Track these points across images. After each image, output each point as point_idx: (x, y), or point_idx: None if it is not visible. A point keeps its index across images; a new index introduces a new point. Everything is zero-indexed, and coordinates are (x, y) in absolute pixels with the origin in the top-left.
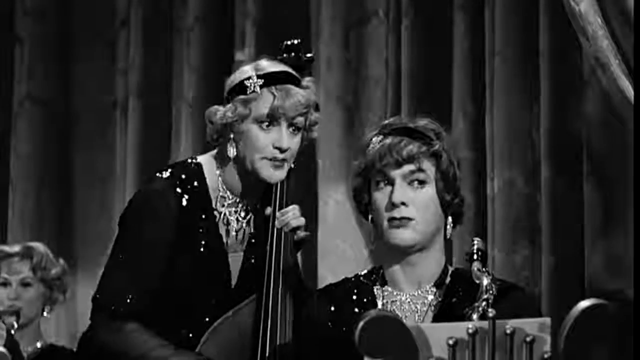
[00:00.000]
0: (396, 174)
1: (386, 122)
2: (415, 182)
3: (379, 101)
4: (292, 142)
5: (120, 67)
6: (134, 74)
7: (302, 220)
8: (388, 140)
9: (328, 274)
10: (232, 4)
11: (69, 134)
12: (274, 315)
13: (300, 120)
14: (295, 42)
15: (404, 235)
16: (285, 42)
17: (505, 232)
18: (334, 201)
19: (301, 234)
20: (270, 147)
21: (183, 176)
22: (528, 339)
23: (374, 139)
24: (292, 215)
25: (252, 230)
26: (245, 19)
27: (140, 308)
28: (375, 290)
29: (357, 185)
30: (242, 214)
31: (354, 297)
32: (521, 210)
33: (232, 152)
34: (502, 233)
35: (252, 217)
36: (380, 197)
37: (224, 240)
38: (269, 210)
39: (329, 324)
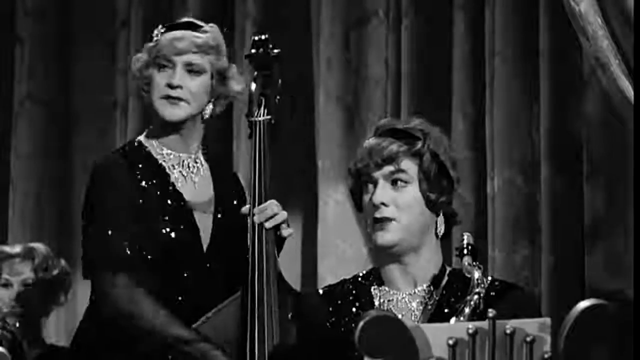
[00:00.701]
0: (378, 174)
1: (379, 123)
2: (398, 182)
3: (379, 101)
4: (189, 82)
5: (120, 67)
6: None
7: (284, 215)
8: (372, 142)
9: (328, 274)
10: (232, 4)
11: (69, 134)
12: (261, 316)
13: (197, 61)
14: (263, 37)
15: (385, 236)
16: (253, 37)
17: (505, 231)
18: (334, 201)
19: (285, 232)
20: (164, 85)
21: (127, 149)
22: (528, 339)
23: (366, 141)
24: (271, 211)
25: (215, 193)
26: (245, 19)
27: (133, 261)
28: (372, 290)
29: (351, 186)
30: (187, 166)
31: (352, 297)
32: (521, 210)
33: (147, 99)
34: (502, 233)
35: (210, 177)
36: (367, 198)
37: (184, 196)
38: (246, 208)
39: (328, 324)
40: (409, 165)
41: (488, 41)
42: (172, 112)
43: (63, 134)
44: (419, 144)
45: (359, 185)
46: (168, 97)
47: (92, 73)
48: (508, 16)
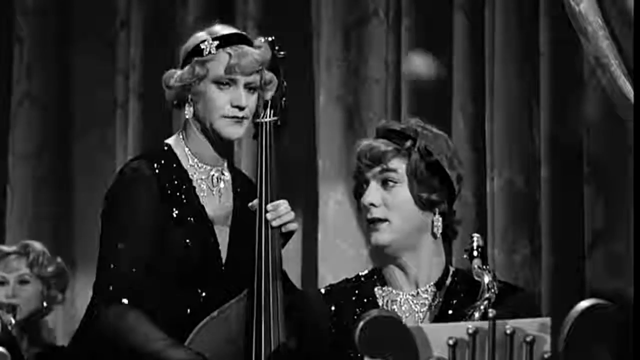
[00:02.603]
0: (369, 175)
1: (378, 125)
2: (388, 182)
3: (379, 101)
4: (249, 100)
5: (120, 67)
6: (134, 74)
7: (292, 215)
8: (364, 143)
9: (328, 274)
10: (233, 5)
11: (68, 134)
12: (267, 314)
13: (256, 78)
14: (270, 39)
15: (379, 237)
16: (259, 39)
17: (505, 231)
18: (334, 201)
19: (290, 226)
20: (229, 105)
21: (155, 155)
22: (528, 339)
23: (358, 143)
24: (284, 209)
25: (233, 205)
26: (246, 20)
27: (139, 282)
28: (375, 290)
29: (353, 187)
30: (214, 182)
31: (354, 297)
32: (521, 210)
33: (189, 112)
34: (502, 233)
35: (231, 188)
36: (362, 200)
37: (207, 210)
38: (255, 202)
39: (330, 324)
40: (398, 165)
41: (488, 41)
42: (237, 132)
43: (62, 134)
44: (408, 143)
45: (359, 187)
46: (234, 117)
47: (92, 73)
48: (508, 16)
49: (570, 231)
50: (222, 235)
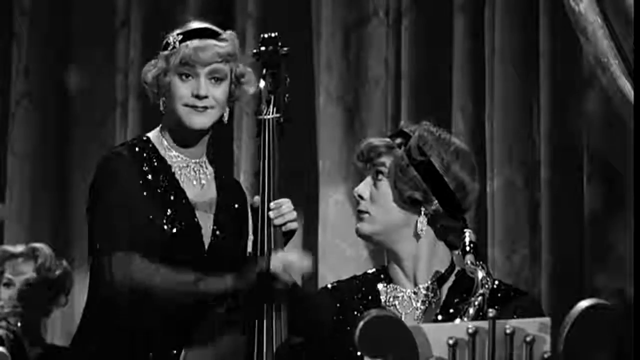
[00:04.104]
0: (366, 169)
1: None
2: (378, 175)
3: (379, 101)
4: (213, 91)
5: (120, 67)
6: (134, 74)
7: (295, 214)
8: (365, 140)
9: (328, 274)
10: (233, 4)
11: (67, 134)
12: (269, 312)
13: (220, 70)
14: (273, 35)
15: (361, 227)
16: (262, 35)
17: (505, 231)
18: (334, 201)
19: (291, 225)
20: (189, 95)
21: (133, 143)
22: (528, 339)
23: None
24: (287, 208)
25: (217, 197)
26: (246, 19)
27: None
28: (379, 287)
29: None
30: (193, 172)
31: (360, 294)
32: (521, 210)
33: (162, 106)
34: (502, 233)
35: (213, 181)
36: (353, 191)
37: (187, 193)
38: (257, 199)
39: (334, 320)
40: (387, 160)
41: (488, 41)
42: (200, 121)
43: (61, 134)
44: (398, 140)
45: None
46: (194, 107)
47: (92, 73)
48: (508, 16)
49: (570, 231)
50: (205, 220)
